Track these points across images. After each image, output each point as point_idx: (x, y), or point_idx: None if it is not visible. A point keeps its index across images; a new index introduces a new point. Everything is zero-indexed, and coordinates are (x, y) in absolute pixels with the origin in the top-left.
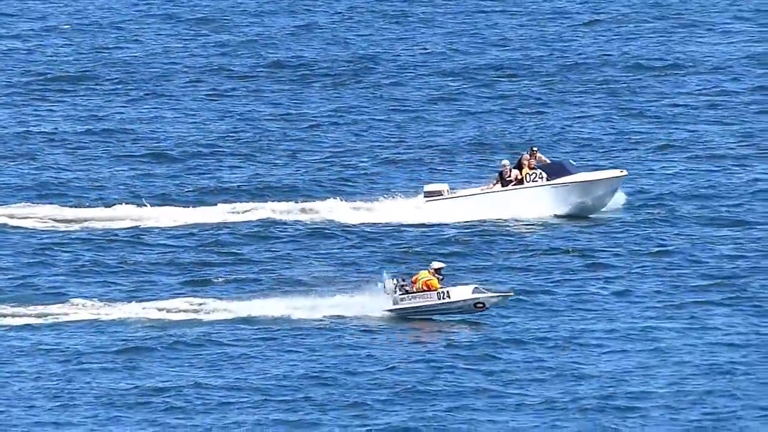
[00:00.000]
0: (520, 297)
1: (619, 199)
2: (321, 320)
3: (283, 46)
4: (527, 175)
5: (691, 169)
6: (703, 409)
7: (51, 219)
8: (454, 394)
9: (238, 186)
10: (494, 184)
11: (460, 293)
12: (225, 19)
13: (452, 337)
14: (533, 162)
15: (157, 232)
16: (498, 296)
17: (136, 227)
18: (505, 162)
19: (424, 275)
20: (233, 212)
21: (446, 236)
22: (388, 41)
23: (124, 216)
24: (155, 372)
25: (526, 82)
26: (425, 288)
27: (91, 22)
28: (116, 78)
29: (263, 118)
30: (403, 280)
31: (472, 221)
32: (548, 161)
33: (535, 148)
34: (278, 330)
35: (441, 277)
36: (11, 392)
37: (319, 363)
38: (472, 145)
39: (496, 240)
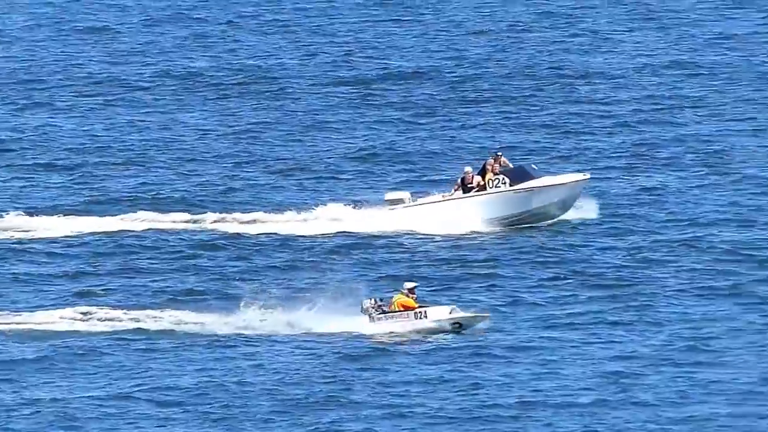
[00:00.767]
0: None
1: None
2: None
3: (173, 55)
4: (490, 181)
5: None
6: (589, 419)
7: None
8: (344, 405)
9: (129, 196)
10: (455, 191)
11: (438, 313)
12: (114, 29)
13: (344, 350)
14: (497, 167)
15: (47, 242)
16: (475, 316)
17: (24, 238)
18: (468, 168)
19: (399, 297)
20: (124, 221)
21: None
22: (278, 50)
23: (12, 227)
24: (33, 383)
25: (420, 91)
26: (402, 308)
27: None
28: (2, 87)
29: (153, 127)
30: (381, 300)
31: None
32: (512, 166)
33: (499, 153)
34: (170, 341)
35: (415, 296)
36: None
37: (208, 375)
38: (364, 156)
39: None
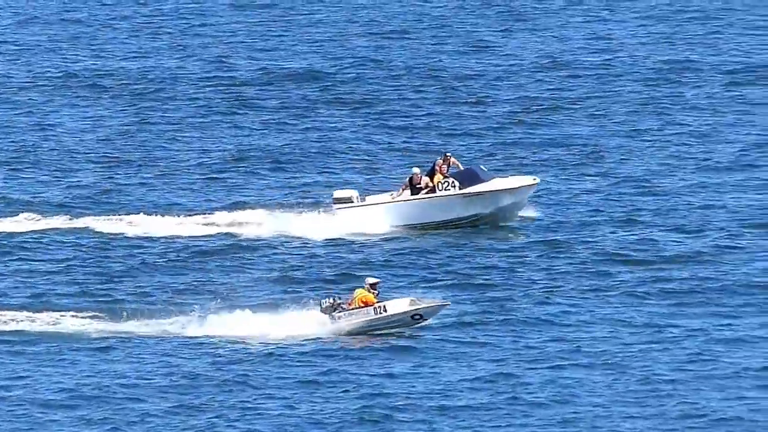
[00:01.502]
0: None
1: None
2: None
3: (47, 56)
4: (439, 183)
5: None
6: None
7: None
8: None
9: (5, 198)
10: (402, 191)
11: (397, 306)
12: None
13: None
14: (445, 168)
15: None
16: (435, 305)
17: None
18: (416, 170)
19: (360, 293)
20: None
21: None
22: (153, 51)
23: None
24: None
25: (295, 92)
26: (362, 304)
27: None
28: None
29: (27, 129)
30: (340, 298)
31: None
32: (461, 167)
33: (448, 154)
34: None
35: (377, 292)
36: None
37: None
38: (240, 157)
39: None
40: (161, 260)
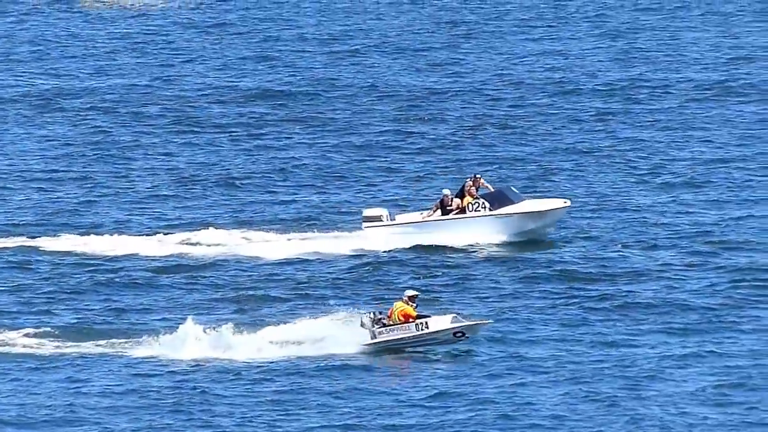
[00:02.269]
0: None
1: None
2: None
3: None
4: (470, 204)
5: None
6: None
7: None
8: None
9: None
10: (433, 212)
11: (439, 323)
12: None
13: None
14: (474, 189)
15: None
16: (477, 324)
17: None
18: (446, 191)
19: (399, 305)
20: None
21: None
22: (93, 68)
23: None
24: None
25: (239, 110)
26: (402, 318)
27: None
28: None
29: None
30: (380, 313)
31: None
32: (491, 188)
33: (478, 175)
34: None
35: (416, 305)
36: None
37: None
38: (183, 177)
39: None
40: (114, 279)
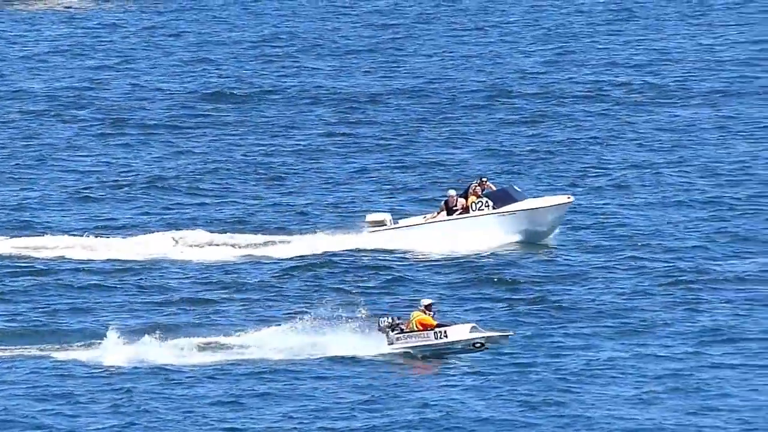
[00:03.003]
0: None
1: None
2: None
3: None
4: (473, 204)
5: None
6: None
7: None
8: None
9: None
10: (438, 213)
11: (458, 332)
12: None
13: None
14: (479, 190)
15: None
16: (498, 335)
17: None
18: (452, 192)
19: (416, 315)
20: None
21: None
22: (22, 72)
23: None
24: None
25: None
26: (420, 327)
27: None
28: None
29: None
30: (399, 319)
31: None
32: (494, 188)
33: (484, 179)
34: None
35: (432, 312)
36: None
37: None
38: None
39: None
40: (44, 281)
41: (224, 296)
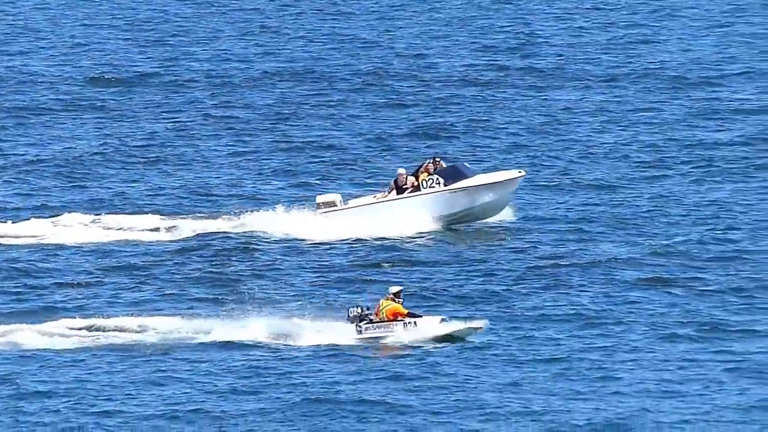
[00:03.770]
0: None
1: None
2: None
3: None
4: (424, 181)
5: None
6: None
7: None
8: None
9: None
10: (388, 192)
11: (427, 325)
12: None
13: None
14: (431, 168)
15: None
16: (467, 328)
17: None
18: (401, 170)
19: (386, 303)
20: None
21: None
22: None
23: None
24: None
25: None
26: (391, 317)
27: None
28: None
29: None
30: (367, 309)
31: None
32: (445, 165)
33: (437, 158)
34: None
35: (401, 300)
36: None
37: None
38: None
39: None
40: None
41: (100, 279)
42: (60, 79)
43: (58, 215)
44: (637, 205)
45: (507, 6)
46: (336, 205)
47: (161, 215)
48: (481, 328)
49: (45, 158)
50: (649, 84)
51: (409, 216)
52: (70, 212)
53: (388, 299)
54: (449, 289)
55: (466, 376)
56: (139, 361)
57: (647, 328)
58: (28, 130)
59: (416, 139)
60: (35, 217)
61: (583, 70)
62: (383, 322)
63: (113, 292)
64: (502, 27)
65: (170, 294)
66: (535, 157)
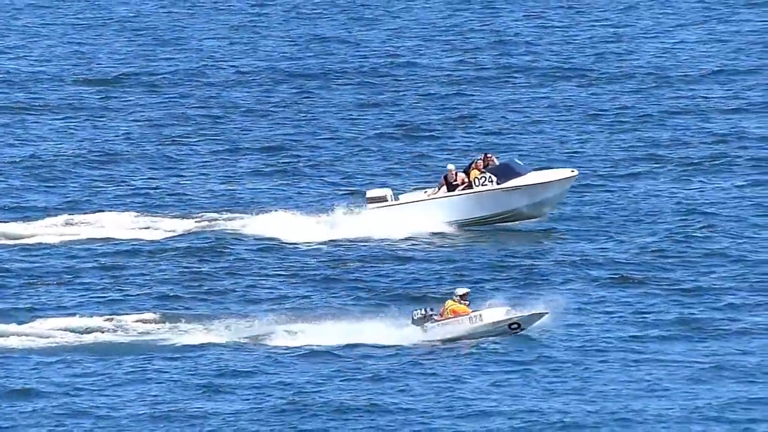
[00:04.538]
0: None
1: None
2: None
3: None
4: (476, 179)
5: None
6: None
7: None
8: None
9: None
10: (439, 189)
11: (493, 315)
12: None
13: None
14: (481, 164)
15: None
16: (534, 314)
17: None
18: (450, 166)
19: (450, 304)
20: None
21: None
22: None
23: None
24: None
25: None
26: (453, 315)
27: None
28: None
29: None
30: (432, 310)
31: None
32: (497, 162)
33: (488, 154)
34: None
35: (468, 302)
36: None
37: None
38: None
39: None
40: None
41: (75, 279)
42: (34, 79)
43: (33, 215)
44: (613, 203)
45: (481, 4)
46: (387, 201)
47: (137, 213)
48: (546, 313)
49: (20, 158)
50: (625, 82)
51: (461, 213)
52: (45, 212)
53: (453, 301)
54: (433, 288)
55: (453, 376)
56: (116, 361)
57: (628, 327)
58: (3, 129)
59: (392, 139)
60: (11, 219)
61: (559, 67)
62: (448, 319)
63: (89, 292)
64: (478, 26)
65: (147, 293)
66: (511, 156)
